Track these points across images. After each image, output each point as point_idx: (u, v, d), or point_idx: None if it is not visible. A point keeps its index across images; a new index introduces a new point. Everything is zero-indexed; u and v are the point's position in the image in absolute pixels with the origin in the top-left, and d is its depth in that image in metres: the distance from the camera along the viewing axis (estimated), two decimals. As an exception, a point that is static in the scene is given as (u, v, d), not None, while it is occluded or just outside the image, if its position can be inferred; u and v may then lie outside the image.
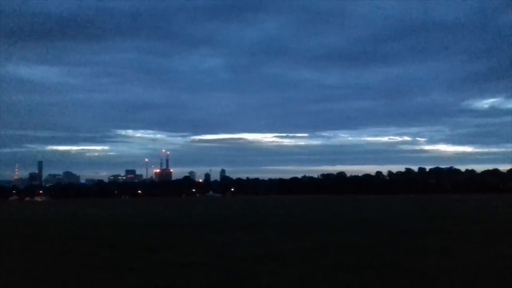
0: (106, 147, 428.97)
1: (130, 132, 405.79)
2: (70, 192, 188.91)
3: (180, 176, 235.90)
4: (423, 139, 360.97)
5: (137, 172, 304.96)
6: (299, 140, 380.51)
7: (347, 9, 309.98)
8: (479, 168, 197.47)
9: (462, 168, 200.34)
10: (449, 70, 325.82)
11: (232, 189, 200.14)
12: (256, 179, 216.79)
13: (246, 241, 21.70)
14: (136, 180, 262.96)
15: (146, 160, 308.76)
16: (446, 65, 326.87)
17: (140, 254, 18.05)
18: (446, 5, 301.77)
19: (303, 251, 18.28)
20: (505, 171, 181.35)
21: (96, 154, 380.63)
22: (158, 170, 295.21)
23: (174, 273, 14.06)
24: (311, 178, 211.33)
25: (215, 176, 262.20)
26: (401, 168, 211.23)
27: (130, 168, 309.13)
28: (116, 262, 16.23)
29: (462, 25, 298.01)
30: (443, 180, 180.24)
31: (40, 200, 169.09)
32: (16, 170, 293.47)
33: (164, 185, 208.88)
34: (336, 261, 15.66)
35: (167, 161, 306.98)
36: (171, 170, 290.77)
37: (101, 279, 13.27)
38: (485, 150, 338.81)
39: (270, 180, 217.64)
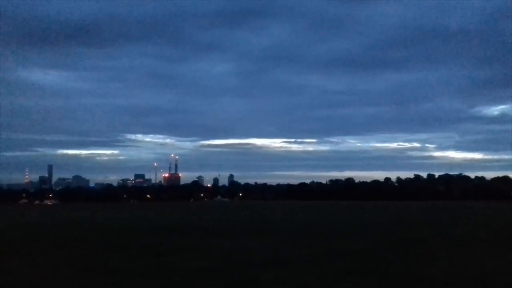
0: (115, 152, 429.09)
1: (139, 136, 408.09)
2: (79, 195, 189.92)
3: (189, 181, 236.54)
4: (433, 146, 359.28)
5: (146, 177, 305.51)
6: (308, 145, 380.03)
7: (355, 15, 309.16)
8: (488, 175, 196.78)
9: (472, 175, 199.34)
10: (459, 77, 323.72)
11: (240, 194, 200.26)
12: (264, 184, 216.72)
13: (253, 247, 21.72)
14: (145, 185, 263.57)
15: (155, 164, 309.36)
16: (455, 71, 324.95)
17: (147, 259, 18.13)
18: (455, 11, 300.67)
19: (311, 257, 18.26)
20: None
21: (105, 158, 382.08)
22: (166, 175, 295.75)
23: (181, 277, 14.10)
24: (320, 183, 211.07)
25: (224, 181, 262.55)
26: (410, 174, 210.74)
27: (139, 172, 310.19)
28: (123, 266, 16.30)
29: (471, 32, 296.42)
30: (453, 187, 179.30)
31: (49, 203, 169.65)
32: (26, 173, 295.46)
33: (172, 190, 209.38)
34: (344, 267, 15.63)
35: (175, 165, 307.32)
36: (180, 175, 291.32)
37: (108, 283, 13.34)
38: (495, 157, 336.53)
39: (278, 185, 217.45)
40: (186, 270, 15.28)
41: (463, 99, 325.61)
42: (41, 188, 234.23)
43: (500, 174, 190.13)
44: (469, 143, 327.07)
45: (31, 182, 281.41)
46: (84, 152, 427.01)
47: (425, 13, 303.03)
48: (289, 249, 20.69)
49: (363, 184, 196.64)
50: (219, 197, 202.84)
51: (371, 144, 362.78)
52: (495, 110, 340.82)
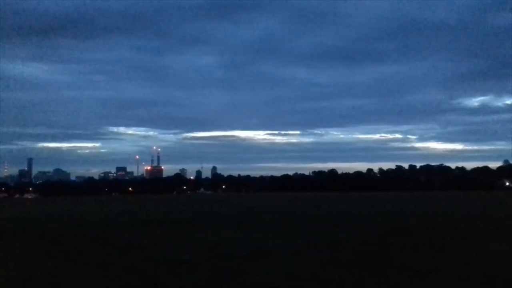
0: (97, 144, 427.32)
1: (122, 129, 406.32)
2: (60, 189, 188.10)
3: (172, 173, 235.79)
4: (414, 137, 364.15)
5: (128, 169, 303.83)
6: (291, 137, 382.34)
7: (339, 9, 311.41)
8: (469, 165, 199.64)
9: (452, 165, 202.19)
10: (440, 69, 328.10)
11: (223, 186, 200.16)
12: (248, 176, 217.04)
13: (236, 239, 21.71)
14: (127, 177, 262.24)
15: (137, 157, 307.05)
16: (437, 63, 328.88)
17: (131, 252, 18.00)
18: (437, 5, 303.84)
19: (295, 248, 18.32)
20: (494, 169, 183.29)
21: (87, 151, 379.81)
22: (149, 167, 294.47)
23: (165, 270, 14.01)
24: (303, 175, 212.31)
25: (207, 173, 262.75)
26: (391, 165, 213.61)
27: (121, 165, 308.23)
28: (107, 259, 16.16)
29: (453, 25, 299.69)
30: (434, 177, 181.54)
31: (29, 197, 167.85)
32: (6, 167, 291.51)
33: (155, 182, 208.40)
34: (327, 258, 15.70)
35: (158, 158, 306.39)
36: (162, 167, 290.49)
37: (92, 277, 13.20)
38: (475, 147, 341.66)
39: (262, 177, 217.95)
40: (170, 263, 15.20)
41: (445, 91, 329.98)
42: (21, 182, 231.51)
43: (480, 164, 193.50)
44: (450, 134, 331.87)
45: (10, 176, 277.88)
46: (65, 145, 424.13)
47: (408, 7, 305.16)
48: (273, 241, 20.73)
49: (346, 175, 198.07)
50: (202, 189, 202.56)
51: (354, 136, 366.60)
52: (476, 101, 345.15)
